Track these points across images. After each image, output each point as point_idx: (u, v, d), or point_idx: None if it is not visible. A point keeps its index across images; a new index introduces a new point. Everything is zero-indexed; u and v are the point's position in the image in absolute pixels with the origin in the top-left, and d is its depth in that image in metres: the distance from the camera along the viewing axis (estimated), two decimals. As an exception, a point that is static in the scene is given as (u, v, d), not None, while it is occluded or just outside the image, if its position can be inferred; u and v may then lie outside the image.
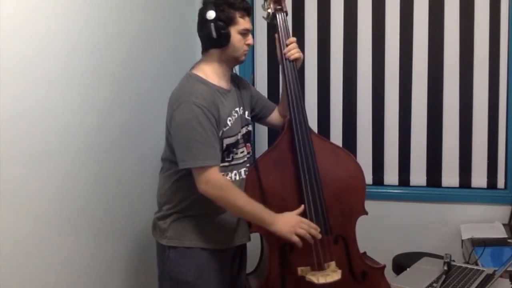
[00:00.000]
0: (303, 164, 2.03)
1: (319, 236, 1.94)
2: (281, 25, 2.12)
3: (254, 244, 2.19)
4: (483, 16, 2.69)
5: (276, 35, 2.13)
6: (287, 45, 2.10)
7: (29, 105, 1.70)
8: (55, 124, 1.82)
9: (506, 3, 2.66)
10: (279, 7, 2.12)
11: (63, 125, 1.86)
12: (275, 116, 2.27)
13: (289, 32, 2.14)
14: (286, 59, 2.10)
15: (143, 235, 2.35)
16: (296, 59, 2.11)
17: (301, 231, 1.89)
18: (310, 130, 2.10)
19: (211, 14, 1.90)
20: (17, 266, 1.68)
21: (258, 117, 2.26)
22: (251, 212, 1.89)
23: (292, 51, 2.10)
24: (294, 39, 2.12)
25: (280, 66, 2.14)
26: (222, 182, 1.88)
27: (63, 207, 1.88)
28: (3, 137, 1.60)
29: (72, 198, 1.93)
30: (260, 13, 2.89)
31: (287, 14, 2.15)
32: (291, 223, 1.89)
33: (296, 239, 1.88)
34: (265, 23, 2.91)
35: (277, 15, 2.12)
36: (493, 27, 2.68)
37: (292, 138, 2.06)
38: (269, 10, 2.13)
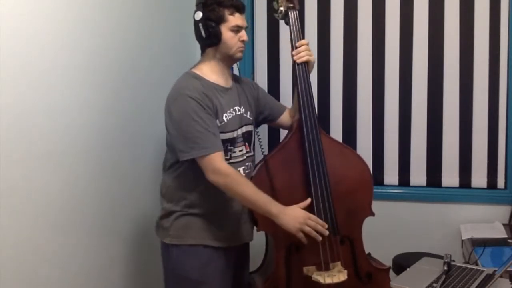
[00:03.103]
0: (313, 165, 2.02)
1: (326, 232, 1.93)
2: (293, 23, 2.11)
3: (259, 243, 2.19)
4: (483, 16, 2.69)
5: (290, 37, 2.12)
6: (296, 47, 2.09)
7: (29, 105, 1.70)
8: (55, 124, 1.82)
9: (506, 3, 2.65)
10: (291, 5, 2.11)
11: (63, 125, 1.86)
12: (285, 118, 2.28)
13: (300, 31, 2.12)
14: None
15: (144, 234, 2.35)
16: (306, 62, 2.09)
17: (307, 229, 1.89)
18: (320, 130, 2.09)
19: (198, 15, 1.95)
20: (18, 266, 1.68)
21: (268, 119, 2.27)
22: (258, 201, 1.89)
23: (301, 53, 2.08)
24: (305, 41, 2.10)
25: (292, 67, 2.13)
26: (229, 171, 1.89)
27: (64, 207, 1.88)
28: (3, 137, 1.60)
29: (73, 198, 1.93)
30: (260, 12, 2.92)
31: (298, 12, 2.13)
32: (298, 219, 1.89)
33: (301, 235, 1.88)
34: (265, 21, 2.92)
35: (290, 13, 2.11)
36: (493, 27, 2.68)
37: (301, 138, 2.06)
38: (281, 8, 2.11)
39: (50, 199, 1.81)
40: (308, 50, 2.10)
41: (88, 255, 2.03)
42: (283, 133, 2.62)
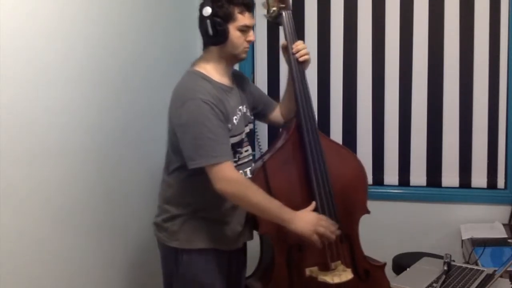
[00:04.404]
0: (315, 166, 2.01)
1: (338, 232, 1.93)
2: (287, 24, 2.06)
3: (252, 247, 2.19)
4: (483, 16, 2.69)
5: (285, 38, 2.08)
6: (296, 46, 2.05)
7: (29, 105, 1.70)
8: (55, 124, 1.82)
9: (506, 3, 2.66)
10: (283, 5, 2.05)
11: (62, 125, 1.86)
12: (276, 114, 2.23)
13: (295, 32, 2.08)
14: (294, 61, 2.05)
15: (143, 234, 2.35)
16: (305, 61, 2.06)
17: (322, 230, 1.86)
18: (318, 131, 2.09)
19: (207, 10, 1.85)
20: (18, 266, 1.68)
21: (260, 114, 2.22)
22: (269, 209, 1.85)
23: (302, 51, 2.04)
24: (301, 41, 2.07)
25: (288, 68, 2.10)
26: (239, 179, 1.85)
27: (63, 207, 1.88)
28: (3, 137, 1.60)
29: (72, 198, 1.93)
30: (260, 12, 2.90)
31: (291, 12, 2.09)
32: (311, 222, 1.86)
33: (316, 238, 1.85)
34: (265, 21, 2.90)
35: (283, 14, 2.05)
36: (493, 27, 2.68)
37: (299, 139, 2.04)
38: (274, 8, 2.05)
39: (50, 199, 1.81)
40: (306, 48, 2.07)
41: (87, 255, 2.03)
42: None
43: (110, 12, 2.13)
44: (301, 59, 2.05)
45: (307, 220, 1.86)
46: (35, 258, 1.75)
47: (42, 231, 1.78)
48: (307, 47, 2.11)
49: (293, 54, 2.05)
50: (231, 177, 1.81)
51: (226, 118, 1.87)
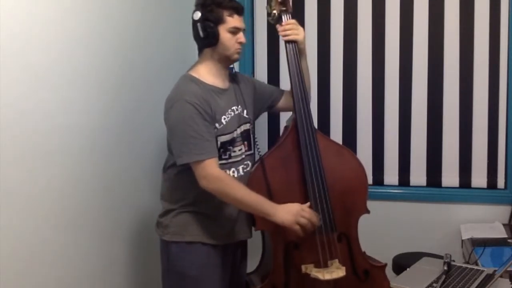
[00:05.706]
0: (309, 165, 2.05)
1: (319, 223, 1.97)
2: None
3: (257, 244, 2.20)
4: (483, 16, 2.69)
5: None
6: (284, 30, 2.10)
7: (30, 105, 1.70)
8: (56, 125, 1.83)
9: (506, 3, 2.65)
10: (284, 8, 2.12)
11: (64, 125, 1.86)
12: (285, 102, 2.28)
13: None
14: (291, 57, 2.09)
15: (144, 233, 2.36)
16: (294, 41, 2.09)
17: (303, 220, 1.91)
18: (315, 130, 2.11)
19: (197, 15, 1.96)
20: (19, 266, 1.68)
21: (270, 106, 2.29)
22: (251, 203, 1.92)
23: (287, 31, 2.08)
24: (292, 20, 2.11)
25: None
26: (220, 176, 1.91)
27: (65, 207, 1.89)
28: (5, 137, 1.60)
29: (73, 198, 1.93)
30: (260, 14, 2.92)
31: (292, 15, 2.14)
32: (292, 212, 1.91)
33: (297, 228, 1.91)
34: (265, 23, 2.92)
35: (283, 17, 2.12)
36: (493, 28, 2.68)
37: (297, 137, 2.07)
38: (275, 11, 2.12)
39: (51, 199, 1.81)
40: (295, 29, 2.10)
41: (88, 254, 2.03)
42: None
43: (110, 13, 2.13)
44: (284, 38, 2.09)
45: (288, 211, 1.92)
46: (37, 258, 1.75)
47: (44, 231, 1.78)
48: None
49: (279, 33, 2.10)
50: (213, 174, 1.89)
51: (212, 117, 1.94)
